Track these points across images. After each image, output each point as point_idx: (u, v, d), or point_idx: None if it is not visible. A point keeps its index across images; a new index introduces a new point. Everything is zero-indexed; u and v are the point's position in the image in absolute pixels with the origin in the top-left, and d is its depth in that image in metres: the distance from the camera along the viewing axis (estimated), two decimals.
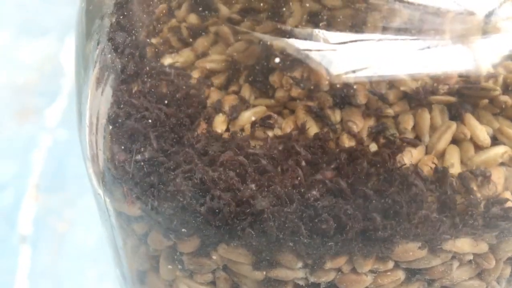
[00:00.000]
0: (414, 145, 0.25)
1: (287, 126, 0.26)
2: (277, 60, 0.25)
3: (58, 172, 0.62)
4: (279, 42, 0.27)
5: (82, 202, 0.57)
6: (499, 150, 0.25)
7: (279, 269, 0.24)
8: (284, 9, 0.27)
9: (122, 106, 0.24)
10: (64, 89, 0.67)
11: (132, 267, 0.29)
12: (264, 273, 0.25)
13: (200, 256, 0.25)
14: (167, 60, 0.28)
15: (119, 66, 0.24)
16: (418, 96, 0.26)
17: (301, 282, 0.25)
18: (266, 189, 0.22)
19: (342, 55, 0.26)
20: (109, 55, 0.25)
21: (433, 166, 0.24)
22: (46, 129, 0.65)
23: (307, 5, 0.26)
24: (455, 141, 0.26)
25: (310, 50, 0.27)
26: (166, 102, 0.25)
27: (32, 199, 0.60)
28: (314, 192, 0.22)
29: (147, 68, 0.25)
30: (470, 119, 0.26)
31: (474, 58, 0.26)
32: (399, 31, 0.25)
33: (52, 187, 0.62)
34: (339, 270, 0.24)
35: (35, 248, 0.56)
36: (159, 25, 0.29)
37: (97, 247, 0.54)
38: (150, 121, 0.24)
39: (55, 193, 0.61)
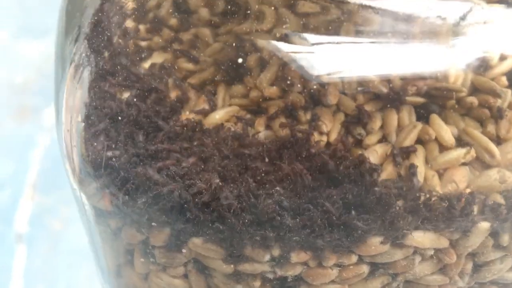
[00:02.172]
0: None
1: (259, 125, 0.27)
2: (240, 60, 0.26)
3: (55, 171, 0.63)
4: (254, 44, 0.28)
5: None
6: (462, 151, 0.25)
7: (248, 262, 0.25)
8: (258, 14, 0.28)
9: (95, 103, 0.25)
10: None
11: (109, 260, 0.30)
12: (233, 266, 0.25)
13: (171, 250, 0.26)
14: (145, 61, 0.29)
15: (94, 64, 0.25)
16: (387, 97, 0.26)
17: (269, 276, 0.26)
18: (232, 184, 0.23)
19: (315, 57, 0.27)
20: (85, 53, 0.26)
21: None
22: (45, 129, 0.66)
23: (281, 11, 0.27)
24: (421, 141, 0.26)
25: (284, 52, 0.27)
26: (139, 100, 0.26)
27: (29, 198, 0.60)
28: (278, 188, 0.23)
29: (122, 67, 0.26)
30: (435, 119, 0.26)
31: (443, 61, 0.27)
32: (371, 35, 0.26)
33: (48, 186, 0.63)
34: (305, 263, 0.25)
35: (31, 246, 0.57)
36: (137, 25, 0.30)
37: None
38: (121, 118, 0.25)
39: (51, 192, 0.62)
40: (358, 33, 0.26)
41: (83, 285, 0.56)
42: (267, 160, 0.24)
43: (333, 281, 0.26)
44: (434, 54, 0.27)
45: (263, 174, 0.24)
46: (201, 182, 0.23)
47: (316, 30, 0.27)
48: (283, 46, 0.27)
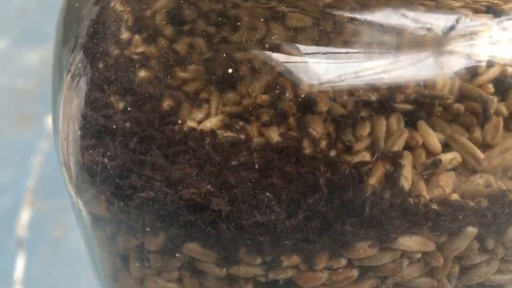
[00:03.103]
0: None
1: (251, 132, 0.28)
2: (230, 70, 0.27)
3: (55, 178, 0.63)
4: (248, 54, 0.29)
5: None
6: (448, 156, 0.26)
7: (240, 266, 0.26)
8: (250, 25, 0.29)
9: (91, 112, 0.26)
10: None
11: (106, 265, 0.31)
12: (226, 270, 0.26)
13: (165, 255, 0.26)
14: (140, 70, 0.30)
15: (90, 74, 0.26)
16: (375, 105, 0.27)
17: (261, 279, 0.26)
18: (223, 190, 0.24)
19: (306, 67, 0.27)
20: (81, 63, 0.27)
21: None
22: (45, 135, 0.66)
23: (271, 23, 0.28)
24: (409, 148, 0.27)
25: (276, 61, 0.28)
26: (134, 108, 0.26)
27: (29, 204, 0.61)
28: (268, 194, 0.24)
29: (118, 76, 0.27)
30: (422, 126, 0.27)
31: (431, 69, 0.28)
32: (360, 46, 0.27)
33: (49, 192, 0.63)
34: (296, 267, 0.26)
35: (31, 252, 0.57)
36: (133, 35, 0.30)
37: None
38: (116, 126, 0.25)
39: (52, 198, 0.62)
40: (347, 44, 0.27)
41: None
42: (257, 166, 0.25)
43: (323, 284, 0.26)
44: (422, 63, 0.27)
45: (253, 180, 0.24)
46: (192, 188, 0.24)
47: (306, 41, 0.27)
48: (274, 55, 0.28)
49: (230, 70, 0.27)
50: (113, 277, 0.30)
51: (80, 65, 0.27)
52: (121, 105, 0.27)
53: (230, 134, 0.27)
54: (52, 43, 0.31)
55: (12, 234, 0.58)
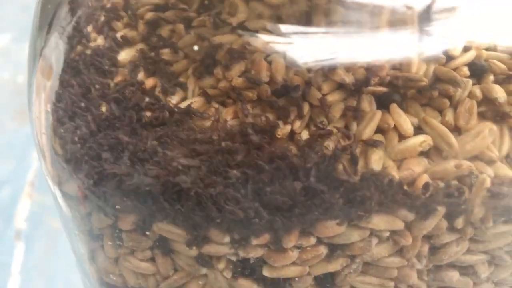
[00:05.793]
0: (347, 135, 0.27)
1: (227, 114, 0.28)
2: (195, 47, 0.27)
3: None
4: (225, 37, 0.29)
5: None
6: (418, 139, 0.26)
7: (210, 244, 0.26)
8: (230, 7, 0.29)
9: (64, 92, 0.26)
10: None
11: (84, 246, 0.31)
12: (197, 249, 0.26)
13: (137, 234, 0.27)
14: (121, 55, 0.30)
15: (65, 56, 0.27)
16: (350, 87, 0.27)
17: (233, 258, 0.27)
18: (189, 167, 0.24)
19: (282, 49, 0.28)
20: (55, 45, 0.28)
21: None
22: None
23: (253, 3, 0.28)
24: (382, 130, 0.27)
25: (253, 44, 0.28)
26: (107, 88, 0.27)
27: (28, 196, 0.61)
28: (235, 172, 0.24)
29: (93, 58, 0.27)
30: (395, 108, 0.27)
31: (407, 51, 0.28)
32: (337, 26, 0.27)
33: (47, 185, 0.64)
34: (266, 246, 0.26)
35: (29, 244, 0.58)
36: (112, 19, 0.31)
37: None
38: (83, 104, 0.26)
39: (50, 191, 0.63)
40: (324, 23, 0.27)
41: (81, 282, 0.56)
42: (225, 145, 0.25)
43: (294, 263, 0.26)
44: (399, 44, 0.27)
45: (222, 159, 0.25)
46: (160, 165, 0.24)
47: (284, 22, 0.27)
48: (252, 39, 0.28)
49: (195, 48, 0.27)
50: (91, 258, 0.31)
51: (53, 46, 0.28)
52: (95, 89, 0.27)
53: (200, 113, 0.27)
54: None
55: (11, 225, 0.59)
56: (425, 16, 0.27)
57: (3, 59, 0.77)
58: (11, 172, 0.64)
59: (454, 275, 0.28)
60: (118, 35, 0.31)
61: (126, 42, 0.31)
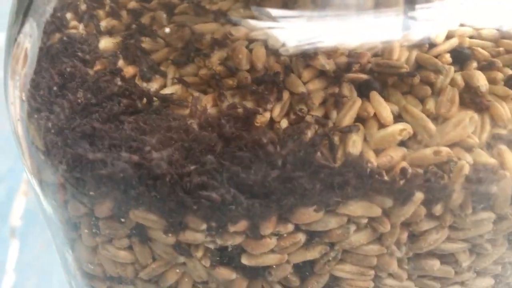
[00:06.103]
0: (322, 123, 0.27)
1: (207, 102, 0.28)
2: (167, 30, 0.27)
3: None
4: (206, 26, 0.29)
5: None
6: (397, 127, 0.26)
7: (187, 232, 0.26)
8: None
9: (40, 79, 0.26)
10: None
11: (64, 236, 0.31)
12: (174, 236, 0.26)
13: (113, 221, 0.26)
14: (102, 43, 0.30)
15: (42, 43, 0.26)
16: (331, 74, 0.27)
17: (211, 246, 0.26)
18: (164, 153, 0.24)
19: (263, 35, 0.27)
20: (32, 33, 0.27)
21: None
22: None
23: None
24: (361, 119, 0.27)
25: (234, 31, 0.28)
26: (86, 77, 0.27)
27: (23, 194, 0.62)
28: (209, 157, 0.24)
29: (72, 45, 0.27)
30: (375, 96, 0.27)
31: (390, 36, 0.28)
32: (320, 9, 0.27)
33: None
34: (243, 233, 0.26)
35: (24, 241, 0.58)
36: (94, 8, 0.31)
37: None
38: (60, 91, 0.26)
39: None
40: (309, 7, 0.27)
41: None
42: (204, 135, 0.25)
43: (272, 251, 0.26)
44: (382, 28, 0.27)
45: (198, 147, 0.25)
46: (134, 150, 0.24)
47: (267, 5, 0.27)
48: (233, 28, 0.28)
49: (166, 30, 0.27)
50: (71, 247, 0.31)
51: (29, 33, 0.27)
52: (72, 74, 0.27)
53: (179, 101, 0.27)
54: None
55: (6, 223, 0.59)
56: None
57: (2, 58, 0.77)
58: (7, 170, 0.64)
59: (435, 264, 0.27)
60: (101, 23, 0.31)
61: (108, 31, 0.30)
